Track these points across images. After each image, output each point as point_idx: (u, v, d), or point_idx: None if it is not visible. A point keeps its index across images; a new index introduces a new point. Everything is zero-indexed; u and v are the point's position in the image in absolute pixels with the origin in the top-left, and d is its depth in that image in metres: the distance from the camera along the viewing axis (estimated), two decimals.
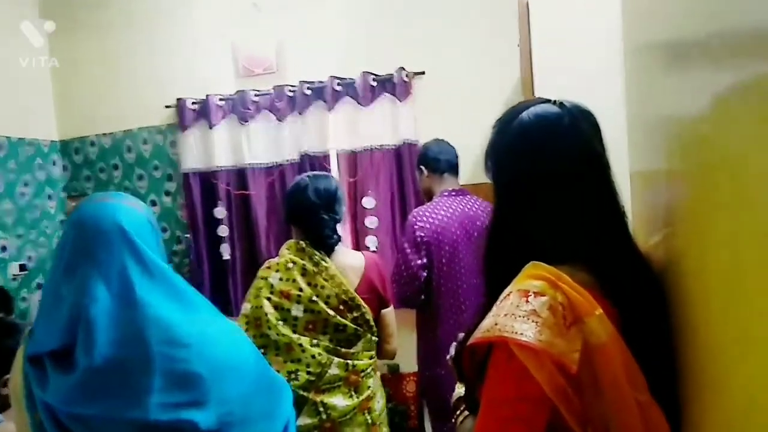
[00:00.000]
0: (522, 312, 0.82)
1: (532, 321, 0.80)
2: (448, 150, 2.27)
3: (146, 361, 0.93)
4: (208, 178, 3.23)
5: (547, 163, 0.90)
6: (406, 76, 2.98)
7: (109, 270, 0.96)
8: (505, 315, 0.83)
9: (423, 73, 3.01)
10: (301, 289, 1.62)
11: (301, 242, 1.69)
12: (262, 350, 1.61)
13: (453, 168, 2.25)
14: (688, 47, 0.72)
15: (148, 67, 3.35)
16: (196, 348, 0.97)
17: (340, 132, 3.08)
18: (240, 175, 3.20)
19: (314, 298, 1.62)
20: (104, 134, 3.43)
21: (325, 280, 1.64)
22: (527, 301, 0.83)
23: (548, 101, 0.95)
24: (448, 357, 1.14)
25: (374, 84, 3.02)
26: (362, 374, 1.68)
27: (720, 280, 0.63)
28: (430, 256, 2.04)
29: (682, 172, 0.79)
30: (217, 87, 3.22)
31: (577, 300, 0.82)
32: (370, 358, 1.72)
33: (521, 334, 0.80)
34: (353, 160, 3.07)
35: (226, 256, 3.22)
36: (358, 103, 3.04)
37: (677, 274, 0.84)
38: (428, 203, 2.18)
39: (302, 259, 1.66)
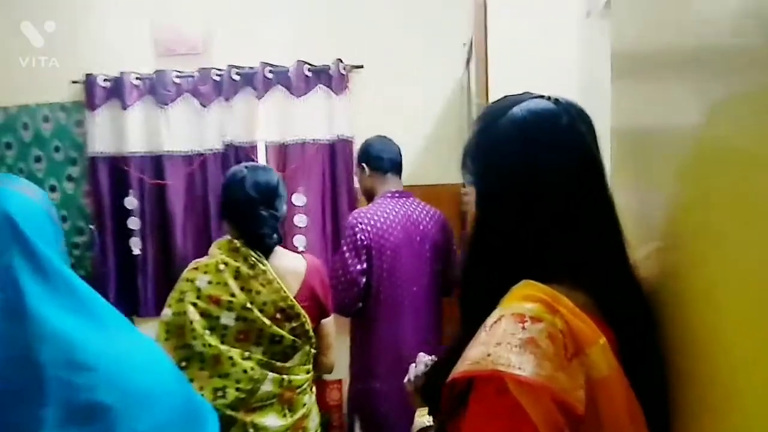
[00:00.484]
0: (517, 341, 0.70)
1: (530, 352, 0.69)
2: (391, 148, 2.15)
3: (38, 388, 0.73)
4: (118, 164, 2.91)
5: (543, 166, 0.79)
6: (344, 68, 2.83)
7: None
8: (498, 344, 0.71)
9: (361, 66, 2.88)
10: (233, 295, 1.44)
11: (235, 241, 1.51)
12: (184, 363, 1.42)
13: (397, 168, 2.14)
14: (684, 53, 0.67)
15: (51, 33, 2.97)
16: (104, 372, 0.77)
17: (270, 122, 2.88)
18: (156, 162, 2.92)
19: (248, 305, 1.44)
20: None
21: (262, 285, 1.47)
22: (523, 328, 0.71)
23: (541, 96, 0.84)
24: (406, 381, 1.02)
25: (309, 74, 2.85)
26: (298, 390, 1.52)
27: (730, 301, 0.57)
28: (371, 261, 1.91)
29: (683, 185, 0.72)
30: (132, 64, 2.91)
31: (579, 327, 0.72)
32: (307, 372, 1.57)
33: (519, 368, 0.68)
34: (283, 153, 2.89)
35: (136, 251, 2.92)
36: (291, 93, 2.85)
37: (675, 294, 0.76)
38: (370, 204, 2.05)
39: (236, 261, 1.48)
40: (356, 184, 2.85)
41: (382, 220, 1.95)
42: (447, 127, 2.86)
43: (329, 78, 2.84)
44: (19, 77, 2.96)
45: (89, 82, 2.89)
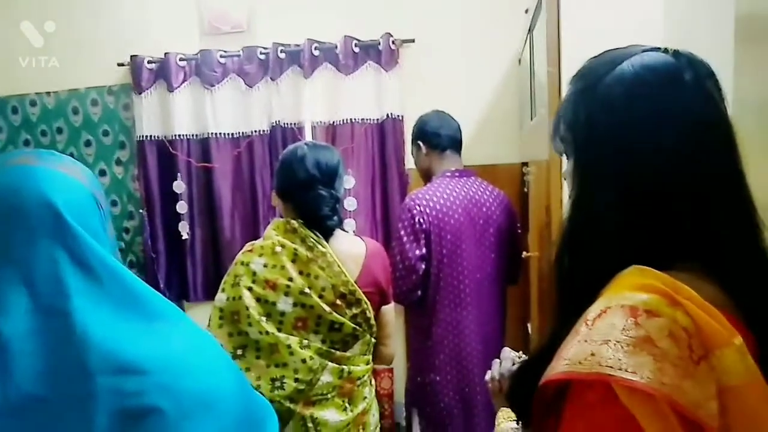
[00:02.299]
0: (629, 339, 0.58)
1: (646, 353, 0.57)
2: (450, 124, 2.01)
3: (86, 396, 0.64)
4: (166, 147, 2.88)
5: (663, 133, 0.66)
6: (393, 43, 2.70)
7: (32, 270, 0.67)
8: (605, 342, 0.59)
9: (412, 41, 2.74)
10: (290, 279, 1.35)
11: (293, 221, 1.42)
12: (240, 351, 1.34)
13: (456, 145, 2.00)
14: None
15: (97, 17, 2.94)
16: (157, 375, 0.68)
17: (318, 102, 2.78)
18: (203, 145, 2.87)
19: (306, 290, 1.35)
20: (47, 93, 3.02)
21: (321, 268, 1.37)
22: (636, 323, 0.58)
23: (656, 49, 0.70)
24: (488, 378, 0.90)
25: (357, 50, 2.73)
26: (358, 382, 1.43)
27: None
28: (430, 245, 1.80)
29: None
30: (177, 45, 2.85)
31: (707, 324, 0.58)
32: (367, 363, 1.47)
33: (633, 372, 0.56)
34: (331, 133, 2.79)
35: (185, 235, 2.89)
36: (339, 71, 2.75)
37: None
38: (428, 185, 1.93)
39: (293, 243, 1.39)
40: (407, 165, 2.74)
41: (441, 201, 1.83)
42: (504, 104, 2.71)
43: (378, 54, 2.72)
44: (68, 61, 2.94)
45: (135, 64, 2.85)
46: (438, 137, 1.96)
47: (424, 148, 1.99)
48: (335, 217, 1.44)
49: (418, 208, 1.81)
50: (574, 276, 0.73)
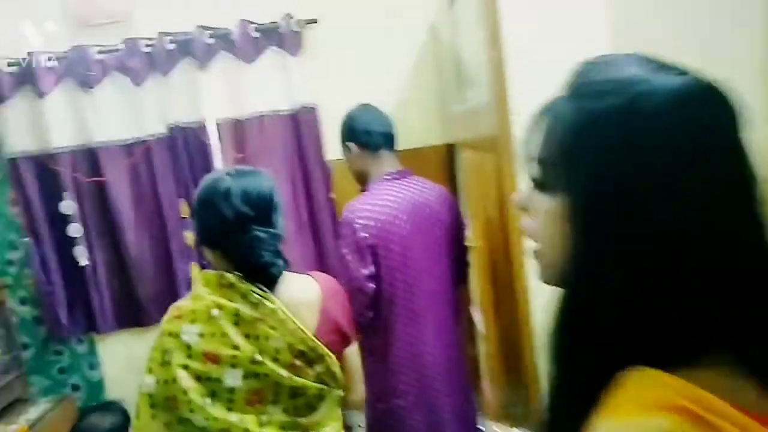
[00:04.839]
0: None
1: None
2: (381, 119, 1.83)
3: None
4: (45, 164, 2.47)
5: (687, 176, 0.49)
6: (296, 24, 2.44)
7: None
8: None
9: (315, 21, 2.49)
10: (236, 347, 1.14)
11: (228, 275, 1.19)
12: None
13: (390, 142, 1.82)
14: None
15: None
16: None
17: (219, 96, 2.48)
18: (90, 157, 2.49)
19: (257, 356, 1.15)
20: None
21: (272, 328, 1.17)
22: None
23: (670, 69, 0.53)
24: None
25: (257, 35, 2.45)
26: None
27: None
28: (378, 261, 1.64)
29: None
30: (43, 42, 2.42)
31: None
32: (338, 418, 1.30)
33: None
34: (239, 131, 2.51)
35: (84, 261, 2.53)
36: (238, 59, 2.45)
37: None
38: (366, 194, 1.75)
39: (233, 301, 1.17)
40: (327, 157, 2.53)
41: (385, 210, 1.66)
42: (422, 81, 2.55)
43: (280, 37, 2.45)
44: None
45: None
46: (369, 135, 1.78)
47: (355, 149, 1.80)
48: (280, 261, 1.23)
49: (359, 221, 1.64)
50: (569, 379, 0.56)
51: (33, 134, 2.46)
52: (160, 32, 2.42)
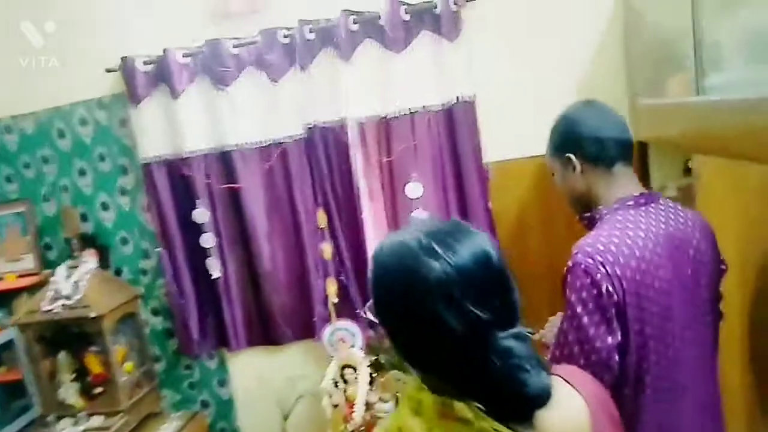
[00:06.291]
0: None
1: None
2: (614, 121, 1.32)
3: None
4: (178, 169, 2.30)
5: None
6: (455, 3, 2.07)
7: None
8: None
9: None
10: None
11: (460, 406, 0.76)
12: None
13: (628, 153, 1.32)
14: None
15: (74, 14, 2.33)
16: None
17: (363, 91, 2.17)
18: (224, 161, 2.28)
19: None
20: (24, 115, 2.44)
21: None
22: None
23: None
24: None
25: (408, 18, 2.10)
26: None
27: None
28: (626, 325, 1.15)
29: None
30: (177, 37, 2.24)
31: None
32: None
33: None
34: (385, 130, 2.18)
35: (216, 273, 2.34)
36: (386, 48, 2.12)
37: None
38: (603, 227, 1.23)
39: None
40: (486, 159, 2.14)
41: (636, 254, 1.17)
42: (609, 67, 2.07)
43: (435, 19, 2.08)
44: (44, 74, 2.35)
45: (127, 67, 2.25)
46: (601, 145, 1.29)
47: (579, 164, 1.31)
48: (546, 380, 0.79)
49: (602, 269, 1.13)
50: None
51: (166, 137, 2.29)
52: (299, 20, 2.14)
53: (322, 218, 2.25)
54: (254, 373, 2.47)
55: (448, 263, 0.76)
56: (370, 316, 0.91)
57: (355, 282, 2.28)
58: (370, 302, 0.89)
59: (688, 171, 2.00)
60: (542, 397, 0.75)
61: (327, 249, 2.26)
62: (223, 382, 2.51)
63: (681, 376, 1.20)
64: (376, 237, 2.21)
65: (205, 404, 2.53)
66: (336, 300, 2.27)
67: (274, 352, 2.43)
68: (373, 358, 2.24)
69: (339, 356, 2.20)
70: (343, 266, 2.28)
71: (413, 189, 2.14)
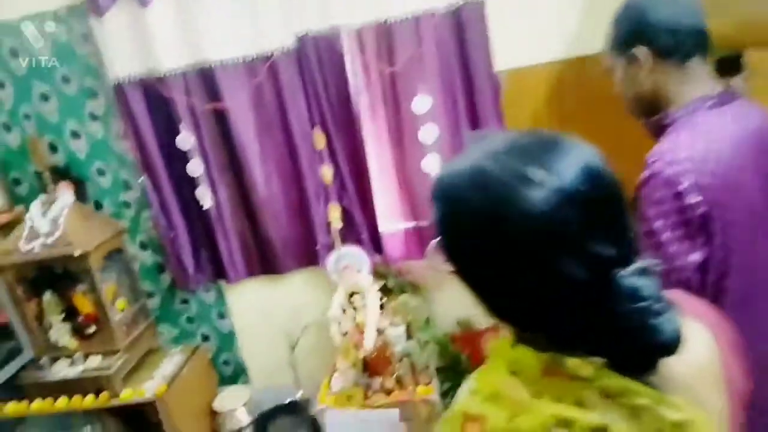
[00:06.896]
0: None
1: None
2: (688, 8, 1.13)
3: None
4: (155, 90, 2.06)
5: None
6: None
7: None
8: None
9: None
10: None
11: (575, 363, 0.63)
12: None
13: (704, 45, 1.14)
14: None
15: None
16: None
17: None
18: (206, 79, 2.05)
19: None
20: None
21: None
22: None
23: None
24: None
25: None
26: None
27: None
28: (710, 241, 1.03)
29: None
30: None
31: None
32: None
33: None
34: (386, 37, 1.96)
35: (208, 203, 2.17)
36: None
37: None
38: (680, 131, 1.09)
39: (588, 409, 0.60)
40: (497, 68, 1.96)
41: (724, 159, 1.03)
42: None
43: None
44: None
45: None
46: (674, 35, 1.11)
47: (648, 57, 1.14)
48: (677, 322, 0.63)
49: (688, 179, 1.00)
50: None
51: (139, 54, 2.03)
52: None
53: (319, 139, 2.07)
54: (256, 304, 2.38)
55: (550, 191, 0.59)
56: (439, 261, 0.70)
57: (359, 206, 2.14)
58: (436, 244, 0.73)
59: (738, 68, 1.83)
60: (676, 344, 0.62)
61: (327, 172, 2.10)
62: (222, 315, 2.41)
63: (760, 292, 1.10)
64: (379, 157, 2.05)
65: (205, 338, 2.44)
66: (340, 225, 2.14)
67: (275, 282, 2.32)
68: (381, 282, 2.16)
69: (346, 283, 2.11)
70: (345, 190, 2.13)
71: (421, 103, 1.96)
